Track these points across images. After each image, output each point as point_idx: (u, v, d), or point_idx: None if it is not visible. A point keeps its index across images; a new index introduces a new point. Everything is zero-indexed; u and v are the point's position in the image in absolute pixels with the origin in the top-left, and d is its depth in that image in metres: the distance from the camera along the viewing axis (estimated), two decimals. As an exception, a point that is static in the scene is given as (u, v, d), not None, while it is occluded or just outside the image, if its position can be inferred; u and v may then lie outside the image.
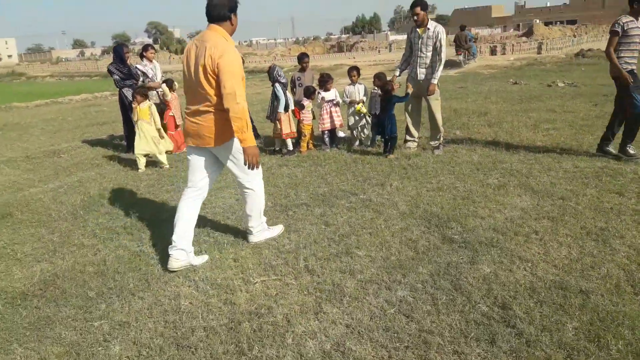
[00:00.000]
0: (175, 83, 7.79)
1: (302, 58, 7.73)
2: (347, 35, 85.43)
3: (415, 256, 3.51)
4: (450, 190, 4.90)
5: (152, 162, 6.80)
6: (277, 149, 7.21)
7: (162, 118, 7.39)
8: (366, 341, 2.59)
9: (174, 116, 7.52)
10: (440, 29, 6.24)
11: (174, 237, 3.54)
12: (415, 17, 6.20)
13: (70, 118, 13.36)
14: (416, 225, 4.06)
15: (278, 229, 4.11)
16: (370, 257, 3.54)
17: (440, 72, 6.24)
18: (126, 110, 7.63)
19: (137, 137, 6.60)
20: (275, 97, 6.85)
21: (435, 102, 6.43)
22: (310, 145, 7.16)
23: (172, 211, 4.08)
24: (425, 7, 6.22)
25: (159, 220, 4.58)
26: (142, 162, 6.64)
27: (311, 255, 3.63)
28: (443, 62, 6.24)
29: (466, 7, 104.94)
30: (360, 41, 53.53)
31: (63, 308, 3.14)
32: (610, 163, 5.43)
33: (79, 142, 9.33)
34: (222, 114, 3.36)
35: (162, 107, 7.58)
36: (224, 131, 3.43)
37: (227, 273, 3.45)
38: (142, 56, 8.05)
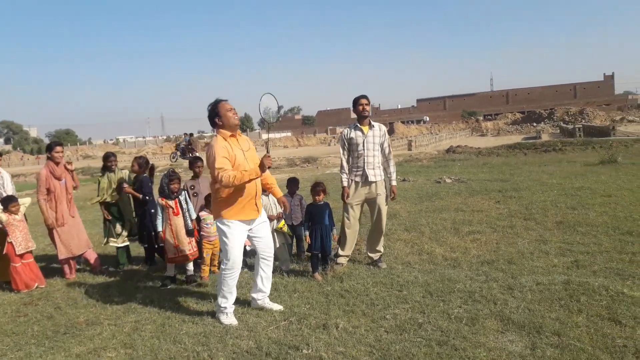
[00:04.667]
0: (24, 200, 5.94)
1: (195, 162, 6.46)
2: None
3: None
4: (416, 331, 3.81)
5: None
6: (171, 275, 5.64)
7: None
8: None
9: (11, 243, 5.64)
10: (383, 127, 5.77)
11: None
12: (366, 110, 5.57)
13: None
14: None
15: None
16: None
17: (394, 172, 5.72)
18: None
19: None
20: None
21: (385, 207, 5.69)
22: (214, 268, 5.72)
23: None
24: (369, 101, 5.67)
25: None
26: None
27: None
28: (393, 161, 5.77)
29: (328, 108, 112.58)
30: (235, 139, 53.38)
31: None
32: (572, 276, 4.82)
33: None
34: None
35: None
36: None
37: None
38: None
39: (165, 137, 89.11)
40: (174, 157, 29.97)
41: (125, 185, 6.45)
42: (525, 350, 3.40)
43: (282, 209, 5.03)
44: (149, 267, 6.39)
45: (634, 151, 17.61)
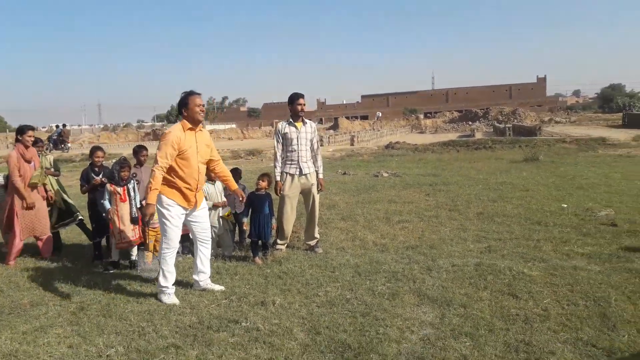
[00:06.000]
0: None
1: (140, 151, 6.64)
2: (162, 123, 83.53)
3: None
4: (344, 305, 4.27)
5: None
6: (116, 260, 5.83)
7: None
8: None
9: None
10: (314, 124, 6.23)
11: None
12: (303, 110, 5.99)
13: None
14: (327, 361, 3.30)
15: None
16: None
17: (322, 167, 6.21)
18: None
19: None
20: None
21: (318, 196, 6.18)
22: (156, 253, 5.95)
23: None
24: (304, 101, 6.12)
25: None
26: None
27: None
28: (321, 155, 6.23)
29: (274, 101, 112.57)
30: (177, 129, 52.33)
31: None
32: (483, 259, 5.45)
33: None
34: None
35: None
36: None
37: None
38: None
39: (102, 126, 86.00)
40: (47, 149, 30.56)
41: (46, 168, 6.51)
42: (435, 320, 3.93)
43: (240, 199, 5.13)
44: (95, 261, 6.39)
45: (555, 150, 19.07)
